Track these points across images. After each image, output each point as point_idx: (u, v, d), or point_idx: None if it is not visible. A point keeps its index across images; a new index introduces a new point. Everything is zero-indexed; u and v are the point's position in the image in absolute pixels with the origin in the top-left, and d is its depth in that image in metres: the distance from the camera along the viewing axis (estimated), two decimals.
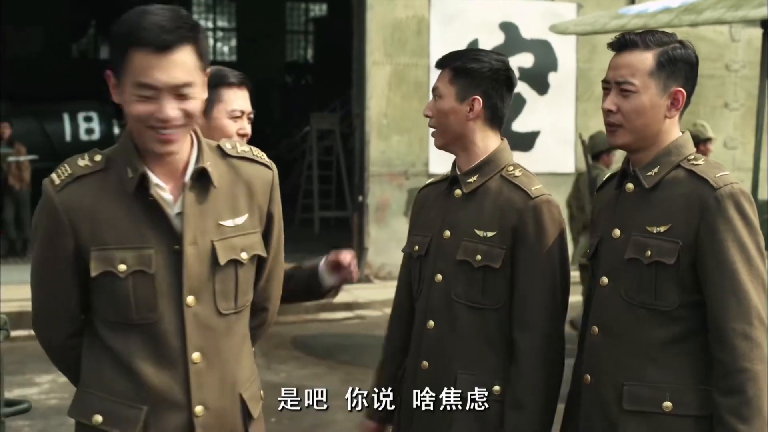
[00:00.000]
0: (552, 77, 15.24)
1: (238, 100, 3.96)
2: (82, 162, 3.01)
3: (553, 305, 3.63)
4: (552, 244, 3.62)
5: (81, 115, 20.36)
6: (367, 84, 14.36)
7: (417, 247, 3.81)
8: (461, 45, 14.42)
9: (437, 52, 14.50)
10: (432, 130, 3.74)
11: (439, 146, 3.76)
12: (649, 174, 3.37)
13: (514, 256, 3.62)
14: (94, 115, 20.53)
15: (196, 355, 3.02)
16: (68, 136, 20.07)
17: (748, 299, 3.18)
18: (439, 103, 3.70)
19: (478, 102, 3.69)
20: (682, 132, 3.45)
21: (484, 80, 3.70)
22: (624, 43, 3.41)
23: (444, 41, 14.51)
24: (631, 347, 3.34)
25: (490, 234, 3.63)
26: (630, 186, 3.43)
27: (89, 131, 20.38)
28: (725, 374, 3.17)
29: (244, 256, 3.11)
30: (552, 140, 15.13)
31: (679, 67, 3.36)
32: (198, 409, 3.03)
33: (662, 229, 3.29)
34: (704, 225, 3.23)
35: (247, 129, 3.98)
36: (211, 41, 35.70)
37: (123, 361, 3.01)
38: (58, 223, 2.96)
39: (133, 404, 3.00)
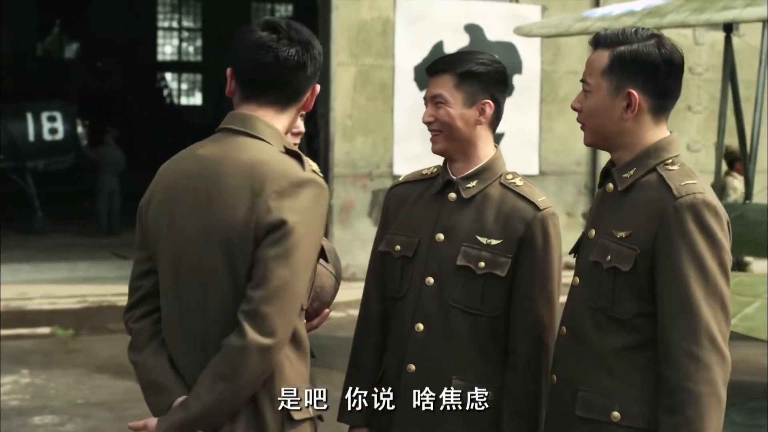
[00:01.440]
0: (516, 79, 15.28)
1: None
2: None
3: (551, 315, 3.62)
4: (554, 256, 3.62)
5: (44, 115, 20.22)
6: (331, 85, 14.37)
7: (399, 247, 3.74)
8: (426, 47, 14.48)
9: (402, 53, 14.56)
10: (435, 135, 3.67)
11: (439, 151, 3.69)
12: (624, 176, 3.27)
13: (517, 265, 3.60)
14: (57, 114, 20.40)
15: None
16: (32, 136, 19.95)
17: (699, 317, 3.05)
18: (445, 110, 3.63)
19: (489, 106, 3.66)
20: (671, 132, 3.32)
21: (491, 84, 3.68)
22: (594, 41, 3.33)
23: (409, 43, 14.55)
24: (590, 352, 3.27)
25: (494, 242, 3.59)
26: (610, 186, 3.33)
27: (53, 131, 20.26)
28: (668, 392, 3.07)
29: None
30: (516, 142, 15.14)
31: (633, 68, 3.21)
32: None
33: (624, 234, 3.20)
34: (661, 235, 3.12)
35: (300, 126, 3.97)
36: (176, 41, 35.59)
37: (305, 345, 3.17)
38: (326, 214, 3.14)
39: (306, 384, 3.17)
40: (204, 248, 3.05)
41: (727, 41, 9.45)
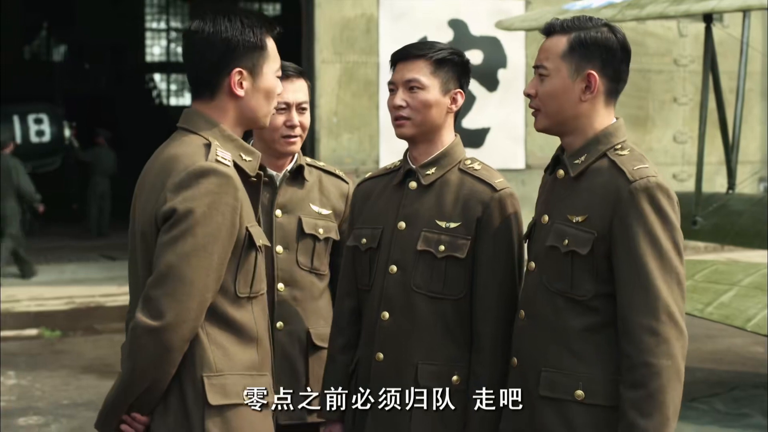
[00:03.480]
0: (501, 74, 15.26)
1: (281, 92, 4.01)
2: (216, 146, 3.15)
3: (514, 295, 3.66)
4: (514, 236, 3.66)
5: (31, 117, 20.22)
6: (316, 82, 14.33)
7: (365, 240, 3.79)
8: (410, 42, 14.45)
9: (387, 49, 14.53)
10: (403, 120, 3.69)
11: (407, 135, 3.72)
12: (576, 162, 3.37)
13: (477, 247, 3.64)
14: (44, 117, 20.40)
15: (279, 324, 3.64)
16: (18, 138, 19.91)
17: (657, 294, 3.16)
18: (423, 95, 3.67)
19: (461, 95, 3.74)
20: (617, 118, 3.42)
21: (462, 74, 3.76)
22: (547, 28, 3.42)
23: (393, 39, 14.51)
24: (551, 334, 3.35)
25: (453, 225, 3.64)
26: (561, 172, 3.43)
27: (39, 133, 20.26)
28: (630, 368, 3.17)
29: None
30: (502, 136, 15.16)
31: (592, 50, 3.32)
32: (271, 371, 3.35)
33: (580, 218, 3.29)
34: (617, 218, 3.22)
35: (295, 120, 4.07)
36: (164, 42, 35.56)
37: (251, 333, 3.19)
38: (237, 201, 3.09)
39: (262, 372, 3.23)
40: (134, 242, 3.19)
41: (707, 32, 9.43)
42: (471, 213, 3.64)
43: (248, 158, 3.22)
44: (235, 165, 3.15)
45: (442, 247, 3.63)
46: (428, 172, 3.72)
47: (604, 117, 3.39)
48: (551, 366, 3.34)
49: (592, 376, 3.27)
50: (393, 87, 3.74)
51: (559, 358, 3.32)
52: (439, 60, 3.70)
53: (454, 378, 3.63)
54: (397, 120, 3.71)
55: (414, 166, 3.75)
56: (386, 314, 3.69)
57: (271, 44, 3.26)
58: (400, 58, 3.74)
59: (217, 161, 3.06)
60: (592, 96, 3.35)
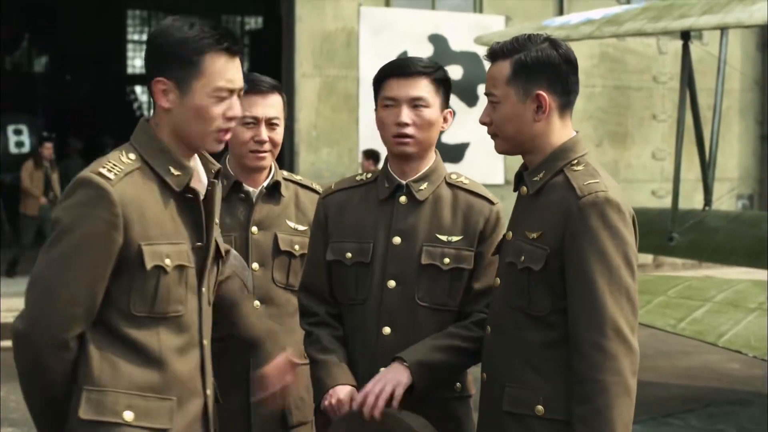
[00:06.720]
0: (481, 89, 15.25)
1: (251, 107, 4.01)
2: (125, 159, 3.09)
3: None
4: None
5: (11, 128, 20.21)
6: (296, 96, 14.36)
7: (350, 254, 3.74)
8: (390, 57, 14.38)
9: (366, 64, 14.58)
10: (406, 138, 3.66)
11: (411, 153, 3.70)
12: (534, 179, 3.37)
13: (476, 258, 3.68)
14: (23, 127, 20.38)
15: (206, 342, 3.29)
16: None
17: (604, 310, 3.14)
18: (427, 113, 3.66)
19: (451, 115, 3.75)
20: (576, 132, 3.43)
21: (449, 94, 3.77)
22: (491, 54, 3.42)
23: (373, 53, 14.56)
24: (514, 350, 3.36)
25: (455, 238, 3.67)
26: (524, 189, 3.44)
27: (19, 144, 20.23)
28: (578, 383, 3.16)
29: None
30: (482, 151, 15.22)
31: (536, 70, 3.32)
32: (209, 392, 3.27)
33: (535, 235, 3.30)
34: (568, 233, 3.21)
35: (264, 136, 4.05)
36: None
37: (151, 354, 3.11)
38: (114, 216, 3.00)
39: (163, 396, 3.12)
40: None
41: (685, 49, 9.49)
42: (472, 226, 3.69)
43: (177, 173, 3.13)
44: (161, 179, 3.11)
45: (447, 260, 3.66)
46: (421, 188, 3.72)
47: (560, 132, 3.39)
48: (514, 381, 3.34)
49: (552, 391, 3.27)
50: (393, 103, 3.68)
51: (521, 373, 3.33)
52: (438, 79, 3.69)
53: (457, 385, 3.71)
54: (400, 137, 3.68)
55: (403, 181, 3.74)
56: (387, 329, 3.68)
57: (209, 61, 3.09)
58: (402, 73, 3.69)
59: (99, 173, 3.01)
60: (545, 115, 3.35)
